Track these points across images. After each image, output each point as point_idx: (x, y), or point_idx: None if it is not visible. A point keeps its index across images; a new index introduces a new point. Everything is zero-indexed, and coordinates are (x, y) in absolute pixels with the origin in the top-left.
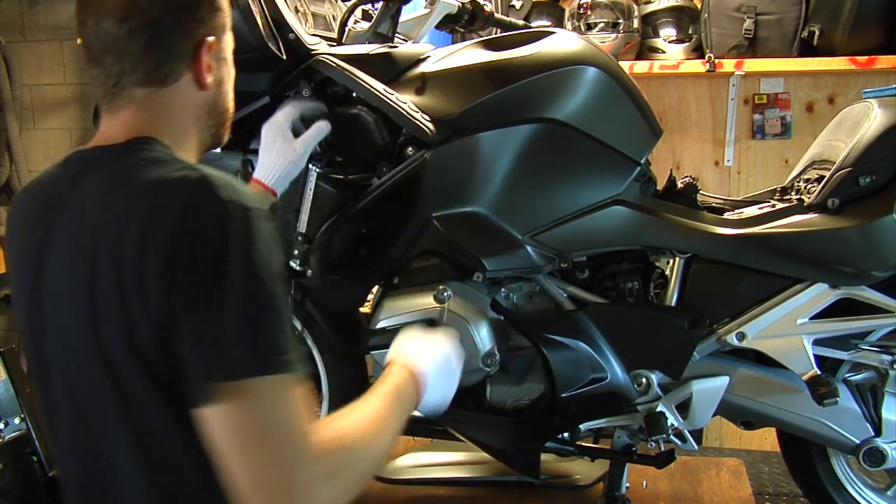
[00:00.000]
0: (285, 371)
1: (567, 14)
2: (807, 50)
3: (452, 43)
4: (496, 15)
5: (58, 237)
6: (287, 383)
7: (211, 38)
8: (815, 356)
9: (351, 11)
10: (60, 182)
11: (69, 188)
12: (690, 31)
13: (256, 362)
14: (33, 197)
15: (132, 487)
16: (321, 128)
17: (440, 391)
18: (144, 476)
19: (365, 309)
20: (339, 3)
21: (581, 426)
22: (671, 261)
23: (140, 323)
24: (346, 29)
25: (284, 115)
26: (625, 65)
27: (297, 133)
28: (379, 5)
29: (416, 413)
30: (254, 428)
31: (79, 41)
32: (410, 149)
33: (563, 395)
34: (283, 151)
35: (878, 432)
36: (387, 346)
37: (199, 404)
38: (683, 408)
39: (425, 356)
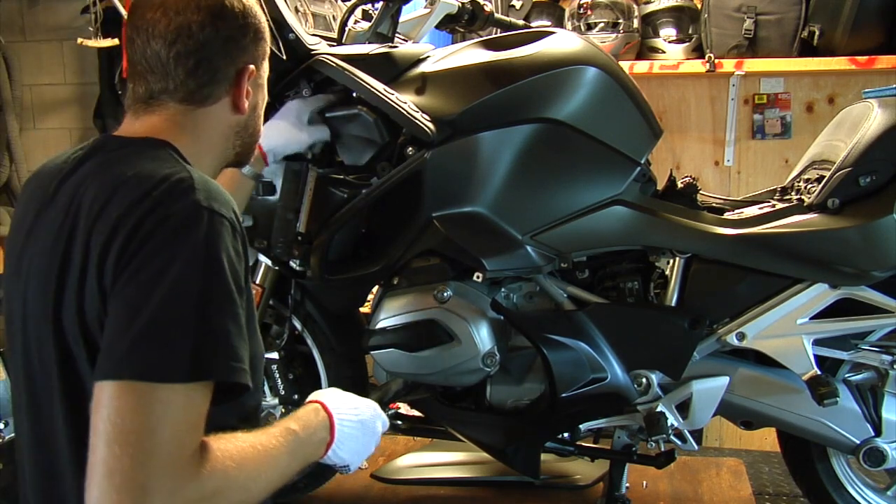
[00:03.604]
0: (183, 380)
1: (567, 14)
2: (807, 50)
3: (452, 43)
4: (496, 15)
5: (50, 212)
6: (183, 393)
7: (252, 66)
8: (815, 356)
9: (351, 11)
10: (69, 162)
11: (72, 168)
12: (690, 31)
13: (152, 367)
14: (45, 174)
15: (68, 461)
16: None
17: (353, 446)
18: (77, 450)
19: (365, 309)
20: (339, 3)
21: (581, 426)
22: (671, 261)
23: (91, 300)
24: (346, 29)
25: (311, 102)
26: (625, 65)
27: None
28: (379, 5)
29: (415, 411)
30: (134, 427)
31: (79, 40)
32: (410, 149)
33: (563, 395)
34: (293, 125)
35: (878, 432)
36: (387, 347)
37: (97, 379)
38: (683, 408)
39: (348, 406)
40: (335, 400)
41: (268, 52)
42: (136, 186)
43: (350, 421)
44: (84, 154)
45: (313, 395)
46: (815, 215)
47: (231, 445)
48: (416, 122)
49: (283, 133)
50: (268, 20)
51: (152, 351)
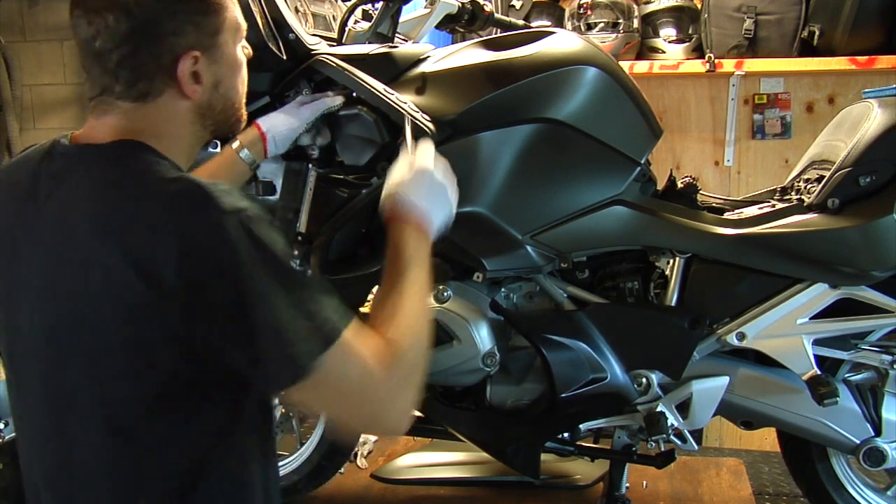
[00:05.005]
0: (336, 336)
1: (567, 14)
2: (807, 50)
3: (452, 43)
4: (496, 15)
5: (40, 233)
6: (342, 344)
7: (195, 52)
8: (815, 356)
9: (351, 11)
10: (41, 176)
11: (54, 185)
12: (690, 31)
13: (309, 356)
14: (11, 184)
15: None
16: (332, 99)
17: (442, 216)
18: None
19: (365, 309)
20: (339, 3)
21: (581, 426)
22: (671, 261)
23: (147, 333)
24: (346, 29)
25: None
26: (625, 65)
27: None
28: (379, 5)
29: (415, 411)
30: (333, 394)
31: None
32: None
33: (563, 395)
34: (289, 111)
35: (878, 432)
36: None
37: (280, 390)
38: (683, 408)
39: (418, 196)
40: (407, 199)
41: (222, 24)
42: (155, 210)
43: (431, 205)
44: (59, 169)
45: (389, 205)
46: (815, 215)
47: (392, 332)
48: (417, 122)
49: (280, 118)
50: (265, 15)
51: (291, 352)
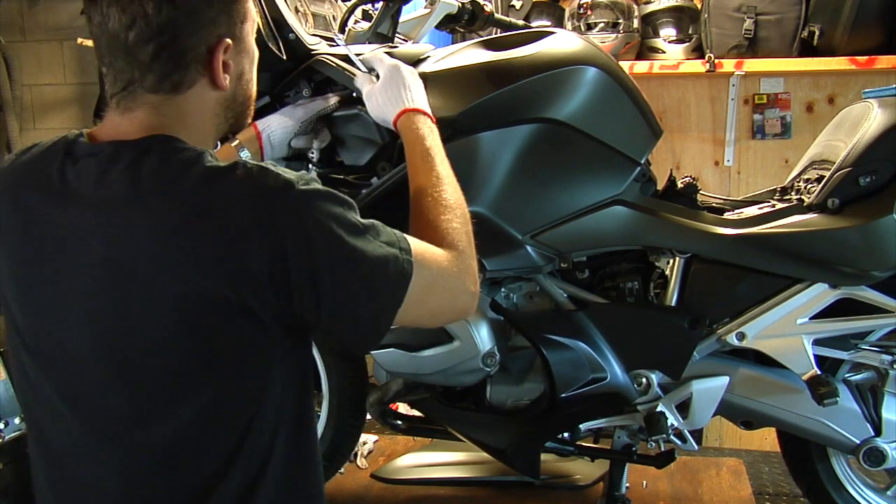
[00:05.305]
0: (410, 250)
1: (567, 14)
2: (807, 50)
3: (452, 43)
4: (496, 15)
5: (83, 237)
6: (414, 256)
7: (228, 40)
8: (815, 356)
9: (351, 11)
10: (68, 176)
11: (91, 185)
12: (690, 31)
13: (403, 280)
14: (25, 184)
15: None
16: (327, 100)
17: (426, 98)
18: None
19: None
20: (339, 3)
21: (581, 426)
22: (671, 261)
23: (227, 332)
24: (346, 29)
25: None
26: (625, 65)
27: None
28: (379, 5)
29: (415, 411)
30: (427, 310)
31: (79, 40)
32: None
33: (563, 395)
34: (284, 112)
35: (878, 432)
36: (387, 347)
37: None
38: (683, 408)
39: (404, 89)
40: (406, 94)
41: (247, 13)
42: (226, 206)
43: (419, 87)
44: (95, 167)
45: (385, 111)
46: (815, 215)
47: (441, 224)
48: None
49: (277, 118)
50: (265, 15)
51: (390, 289)
